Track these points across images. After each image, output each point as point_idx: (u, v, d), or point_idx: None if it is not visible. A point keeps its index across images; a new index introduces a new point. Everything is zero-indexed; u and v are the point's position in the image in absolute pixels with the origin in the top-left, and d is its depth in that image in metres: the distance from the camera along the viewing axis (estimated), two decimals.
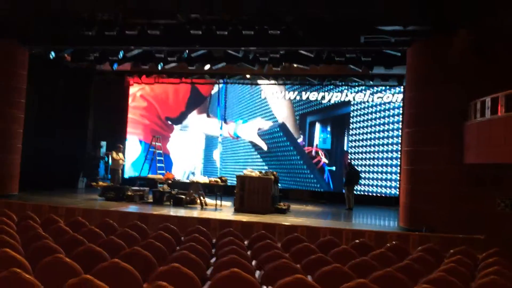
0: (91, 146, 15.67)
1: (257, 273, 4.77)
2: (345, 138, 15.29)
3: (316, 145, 15.51)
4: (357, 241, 6.37)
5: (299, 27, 9.60)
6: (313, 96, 15.58)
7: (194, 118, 16.61)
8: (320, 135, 15.62)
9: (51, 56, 11.99)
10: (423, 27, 9.03)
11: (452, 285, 4.29)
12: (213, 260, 5.36)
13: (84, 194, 13.21)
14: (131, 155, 16.45)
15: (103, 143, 15.52)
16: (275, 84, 15.53)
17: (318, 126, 15.65)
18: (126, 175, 15.62)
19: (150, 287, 2.97)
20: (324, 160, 15.37)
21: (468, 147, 8.37)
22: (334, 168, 15.28)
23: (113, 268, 3.62)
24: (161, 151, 15.82)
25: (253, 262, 5.38)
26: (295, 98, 15.74)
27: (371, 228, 9.19)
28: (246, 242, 6.67)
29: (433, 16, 8.89)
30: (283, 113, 15.80)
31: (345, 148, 15.23)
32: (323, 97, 15.51)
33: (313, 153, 15.46)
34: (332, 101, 15.44)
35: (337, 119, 15.45)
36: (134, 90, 16.69)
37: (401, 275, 4.45)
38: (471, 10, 8.71)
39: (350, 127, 15.22)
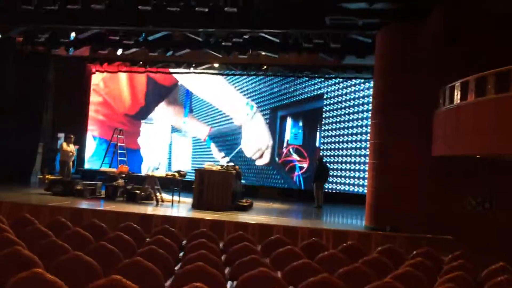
0: (48, 137, 14.64)
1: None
2: (317, 133, 14.59)
3: (287, 141, 14.80)
4: (305, 242, 5.63)
5: (259, 5, 8.76)
6: (285, 89, 14.88)
7: (162, 111, 15.77)
8: (291, 130, 14.91)
9: None
10: (391, 5, 8.29)
11: None
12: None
13: (36, 188, 12.19)
14: (86, 151, 15.64)
15: (61, 135, 14.49)
16: (244, 74, 14.77)
17: (289, 120, 14.93)
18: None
19: None
20: (295, 157, 14.66)
21: (436, 138, 7.65)
22: (305, 165, 14.56)
23: None
24: (123, 145, 14.92)
25: (178, 266, 4.60)
26: (266, 91, 15.01)
27: (331, 226, 8.43)
28: (184, 242, 5.92)
29: None
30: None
31: (317, 144, 14.54)
32: (295, 90, 14.82)
33: (284, 150, 14.74)
34: (304, 95, 14.75)
35: (310, 113, 14.74)
36: (95, 81, 15.77)
37: (341, 282, 3.70)
38: None
39: (323, 122, 14.53)
